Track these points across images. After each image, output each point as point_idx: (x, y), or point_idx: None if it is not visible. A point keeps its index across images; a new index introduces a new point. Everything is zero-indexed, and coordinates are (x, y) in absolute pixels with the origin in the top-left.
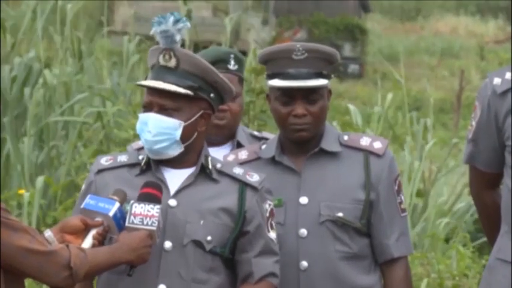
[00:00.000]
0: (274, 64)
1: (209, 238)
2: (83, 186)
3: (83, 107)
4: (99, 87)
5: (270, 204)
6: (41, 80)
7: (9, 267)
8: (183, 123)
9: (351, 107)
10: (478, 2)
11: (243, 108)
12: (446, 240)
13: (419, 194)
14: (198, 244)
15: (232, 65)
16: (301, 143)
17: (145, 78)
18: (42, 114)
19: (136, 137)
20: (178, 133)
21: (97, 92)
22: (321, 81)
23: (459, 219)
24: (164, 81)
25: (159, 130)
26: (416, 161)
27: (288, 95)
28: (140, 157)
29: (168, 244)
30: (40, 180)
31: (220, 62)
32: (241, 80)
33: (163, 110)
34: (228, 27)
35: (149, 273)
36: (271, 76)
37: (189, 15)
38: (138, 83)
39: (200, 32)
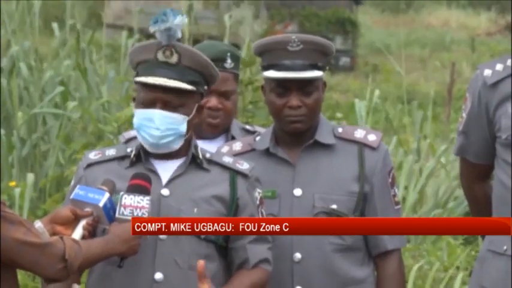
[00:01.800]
0: (269, 55)
1: None
2: (73, 182)
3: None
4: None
5: (259, 192)
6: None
7: (5, 259)
8: (187, 118)
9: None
10: None
11: (237, 106)
12: None
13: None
14: None
15: (228, 64)
16: (296, 135)
17: (137, 74)
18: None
19: (121, 130)
20: (184, 127)
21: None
22: (316, 73)
23: (451, 213)
24: (167, 77)
25: (167, 126)
26: (412, 155)
27: (283, 87)
28: (128, 150)
29: None
30: (31, 177)
31: (217, 60)
32: (236, 78)
33: (167, 106)
34: (227, 23)
35: (145, 262)
36: (266, 67)
37: (189, 12)
38: (138, 79)
39: (191, 24)
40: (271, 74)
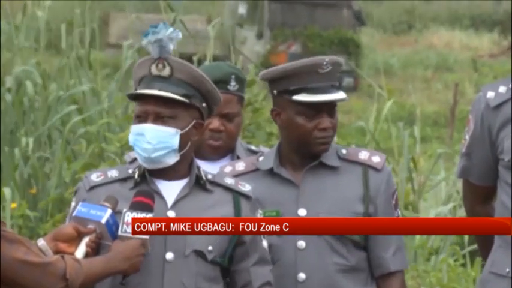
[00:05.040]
0: (298, 79)
1: (210, 248)
2: (73, 203)
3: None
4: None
5: (260, 214)
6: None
7: (5, 279)
8: (179, 131)
9: None
10: (471, 16)
11: (241, 128)
12: (436, 251)
13: (407, 206)
14: (200, 254)
15: (232, 86)
16: (312, 157)
17: (135, 90)
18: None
19: (126, 149)
20: (176, 141)
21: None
22: (342, 94)
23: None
24: (159, 89)
25: (158, 140)
26: (403, 173)
27: (315, 109)
28: (130, 171)
29: (170, 255)
30: (8, 191)
31: (220, 82)
32: (240, 100)
33: (158, 119)
34: (211, 32)
35: (153, 285)
36: (295, 91)
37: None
38: (131, 92)
39: (195, 44)
40: (304, 97)
